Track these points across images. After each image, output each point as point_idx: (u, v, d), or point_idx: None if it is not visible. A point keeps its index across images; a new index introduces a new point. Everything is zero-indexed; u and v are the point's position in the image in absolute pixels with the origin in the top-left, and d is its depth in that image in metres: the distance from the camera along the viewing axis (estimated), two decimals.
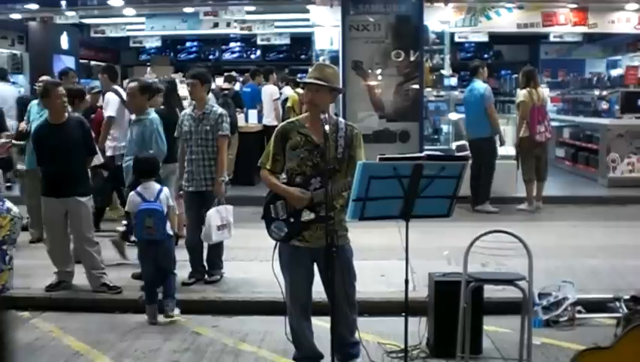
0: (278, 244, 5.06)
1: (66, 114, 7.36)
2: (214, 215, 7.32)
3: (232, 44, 25.37)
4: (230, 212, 7.54)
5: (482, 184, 11.46)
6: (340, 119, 5.10)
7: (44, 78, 9.40)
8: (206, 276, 7.72)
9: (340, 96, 11.88)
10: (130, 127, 8.19)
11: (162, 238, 6.67)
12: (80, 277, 7.47)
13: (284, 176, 4.97)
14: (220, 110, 7.66)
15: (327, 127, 4.55)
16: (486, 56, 23.00)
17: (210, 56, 25.36)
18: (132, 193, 6.92)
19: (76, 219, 7.26)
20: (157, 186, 6.88)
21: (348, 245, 5.04)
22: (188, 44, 25.38)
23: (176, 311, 6.82)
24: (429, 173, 4.49)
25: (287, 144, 4.88)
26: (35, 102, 9.19)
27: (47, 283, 7.41)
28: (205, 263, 7.76)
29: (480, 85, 11.59)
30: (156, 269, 6.73)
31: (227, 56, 25.50)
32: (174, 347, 6.16)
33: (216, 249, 7.74)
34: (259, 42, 20.19)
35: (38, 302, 7.23)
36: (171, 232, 6.88)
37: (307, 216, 4.79)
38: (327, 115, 4.68)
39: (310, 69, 5.09)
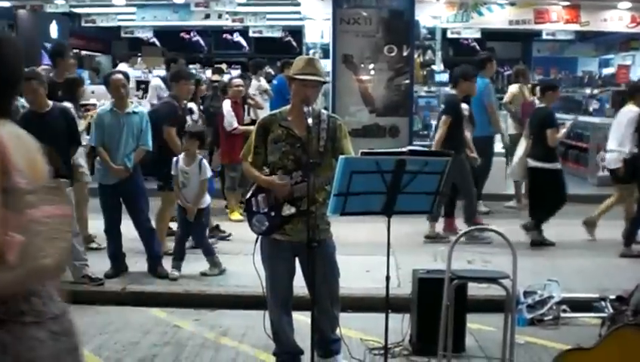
0: (259, 238, 4.98)
1: (50, 103, 7.24)
2: None
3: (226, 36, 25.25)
4: None
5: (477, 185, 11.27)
6: (323, 111, 5.00)
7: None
8: None
9: (330, 90, 11.88)
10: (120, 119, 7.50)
11: None
12: None
13: (266, 169, 4.88)
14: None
15: (310, 120, 4.47)
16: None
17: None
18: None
19: None
20: None
21: (330, 240, 4.94)
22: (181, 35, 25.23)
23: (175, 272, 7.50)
24: (412, 168, 4.42)
25: (269, 137, 4.78)
26: None
27: None
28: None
29: (480, 81, 10.44)
30: None
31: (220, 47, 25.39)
32: (154, 340, 6.10)
33: None
34: (250, 34, 20.09)
35: None
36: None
37: (288, 210, 4.71)
38: (310, 108, 4.59)
39: (298, 64, 4.80)
